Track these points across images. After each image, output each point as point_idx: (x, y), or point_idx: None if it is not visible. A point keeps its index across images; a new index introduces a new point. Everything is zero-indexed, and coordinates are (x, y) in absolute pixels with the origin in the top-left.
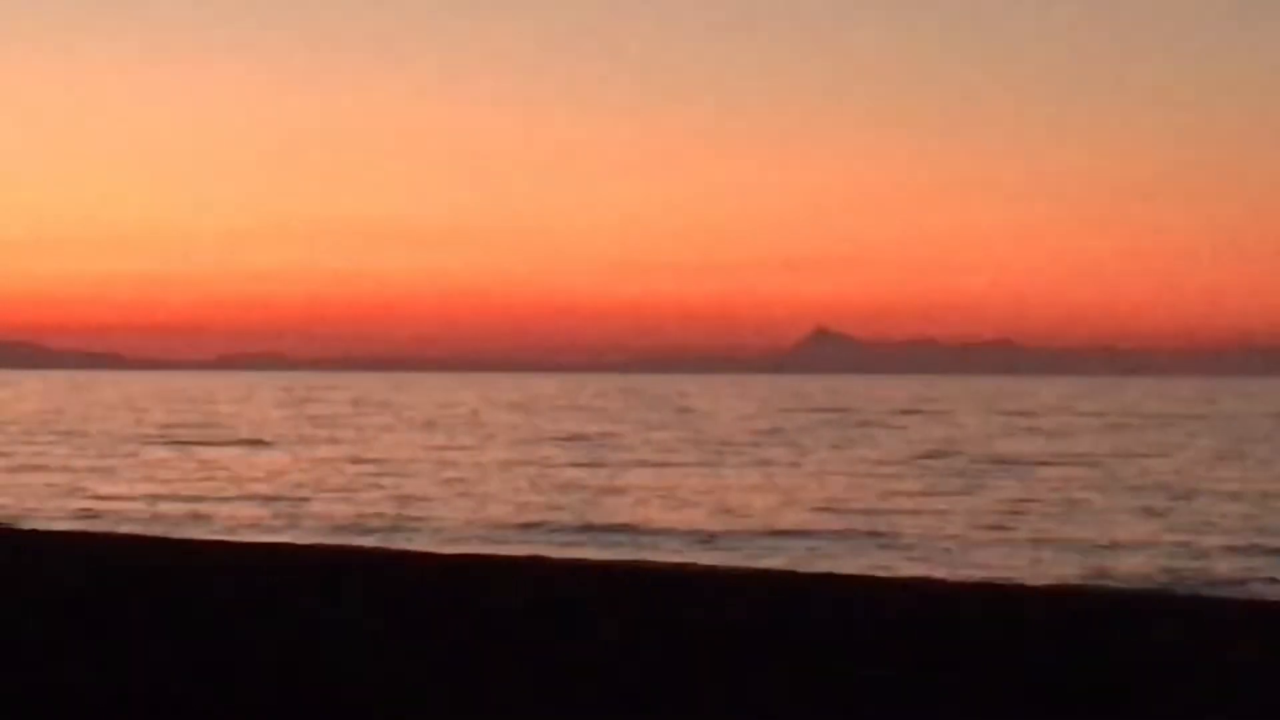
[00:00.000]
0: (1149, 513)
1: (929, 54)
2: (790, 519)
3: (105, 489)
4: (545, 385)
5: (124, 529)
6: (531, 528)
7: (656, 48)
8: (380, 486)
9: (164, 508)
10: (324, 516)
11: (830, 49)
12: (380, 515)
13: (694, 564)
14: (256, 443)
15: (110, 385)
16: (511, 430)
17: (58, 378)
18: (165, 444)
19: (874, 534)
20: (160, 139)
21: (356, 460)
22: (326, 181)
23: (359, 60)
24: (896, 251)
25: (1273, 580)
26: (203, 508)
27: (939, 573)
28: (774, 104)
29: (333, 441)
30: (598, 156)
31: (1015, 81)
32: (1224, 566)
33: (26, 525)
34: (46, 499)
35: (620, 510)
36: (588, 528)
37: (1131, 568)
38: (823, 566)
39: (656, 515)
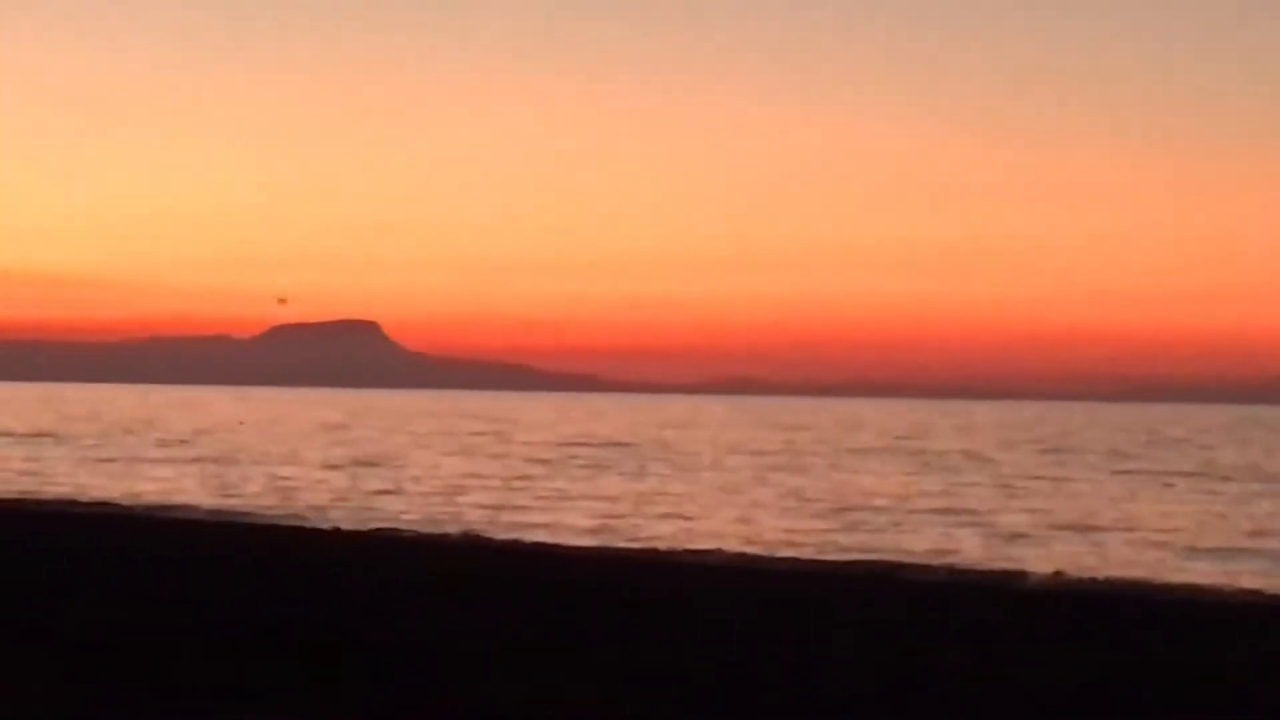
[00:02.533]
0: None
1: None
2: None
3: None
4: (1036, 411)
5: None
6: None
7: (1120, 75)
8: None
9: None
10: None
11: None
12: None
13: None
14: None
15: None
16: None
17: (553, 400)
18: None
19: None
20: (647, 166)
21: None
22: (801, 208)
23: (827, 89)
24: None
25: None
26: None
27: None
28: (1254, 130)
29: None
30: (1063, 181)
31: None
32: None
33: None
34: None
35: None
36: None
37: None
38: None
39: None
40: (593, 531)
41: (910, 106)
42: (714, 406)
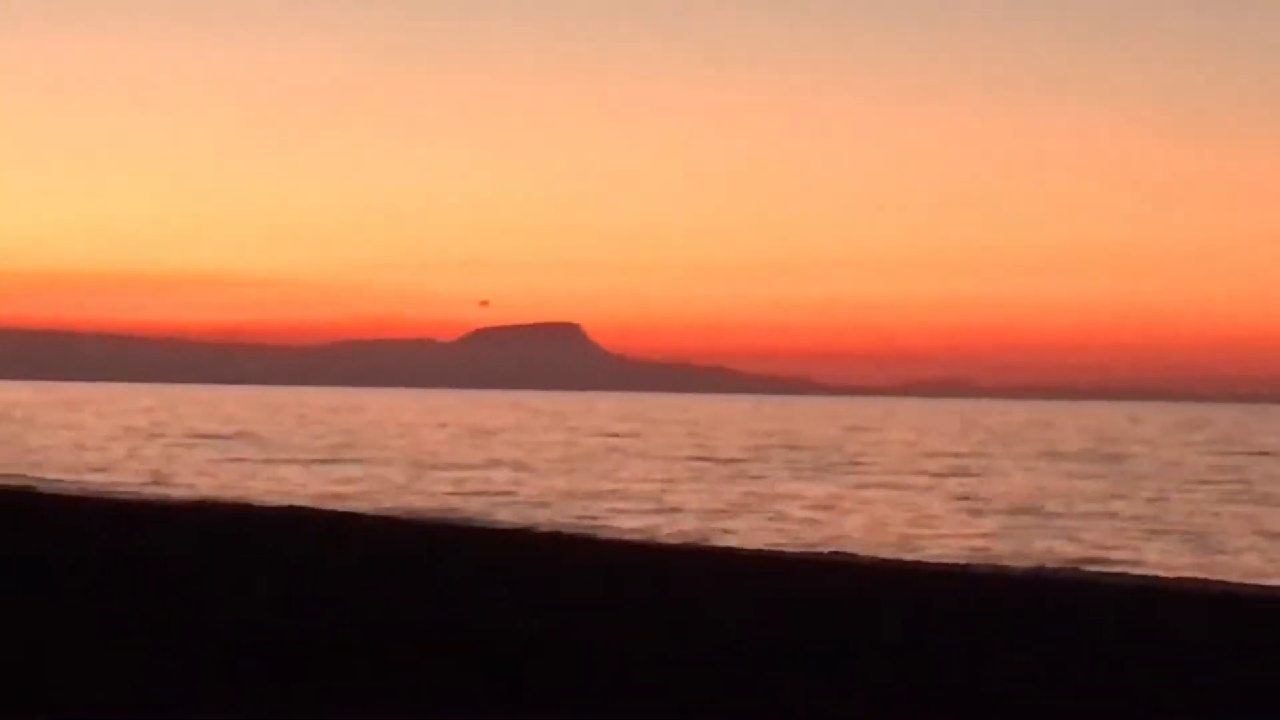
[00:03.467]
0: None
1: None
2: None
3: None
4: (1232, 415)
5: None
6: None
7: None
8: None
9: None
10: None
11: None
12: None
13: None
14: None
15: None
16: None
17: (753, 402)
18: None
19: None
20: (847, 169)
21: None
22: (1002, 208)
23: (1018, 93)
24: None
25: None
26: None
27: None
28: None
29: None
30: (1254, 181)
31: None
32: None
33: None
34: None
35: None
36: None
37: None
38: None
39: None
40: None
41: (1099, 110)
42: (913, 408)
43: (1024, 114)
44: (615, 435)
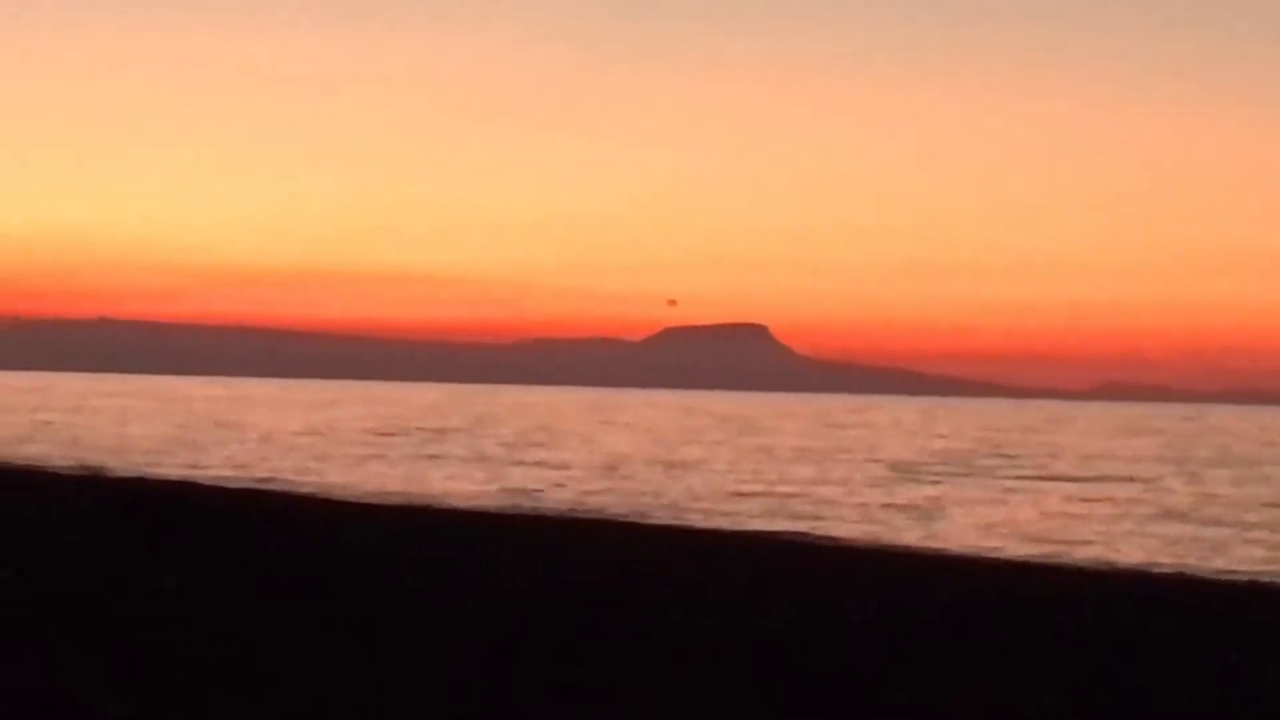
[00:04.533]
0: None
1: None
2: None
3: None
4: None
5: None
6: None
7: None
8: None
9: None
10: None
11: None
12: None
13: None
14: None
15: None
16: None
17: (937, 405)
18: None
19: None
20: (1032, 171)
21: None
22: (1196, 210)
23: (1202, 96)
24: None
25: None
26: None
27: None
28: None
29: None
30: None
31: None
32: None
33: None
34: None
35: None
36: None
37: None
38: None
39: None
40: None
41: None
42: (1096, 412)
43: (1222, 115)
44: (815, 438)
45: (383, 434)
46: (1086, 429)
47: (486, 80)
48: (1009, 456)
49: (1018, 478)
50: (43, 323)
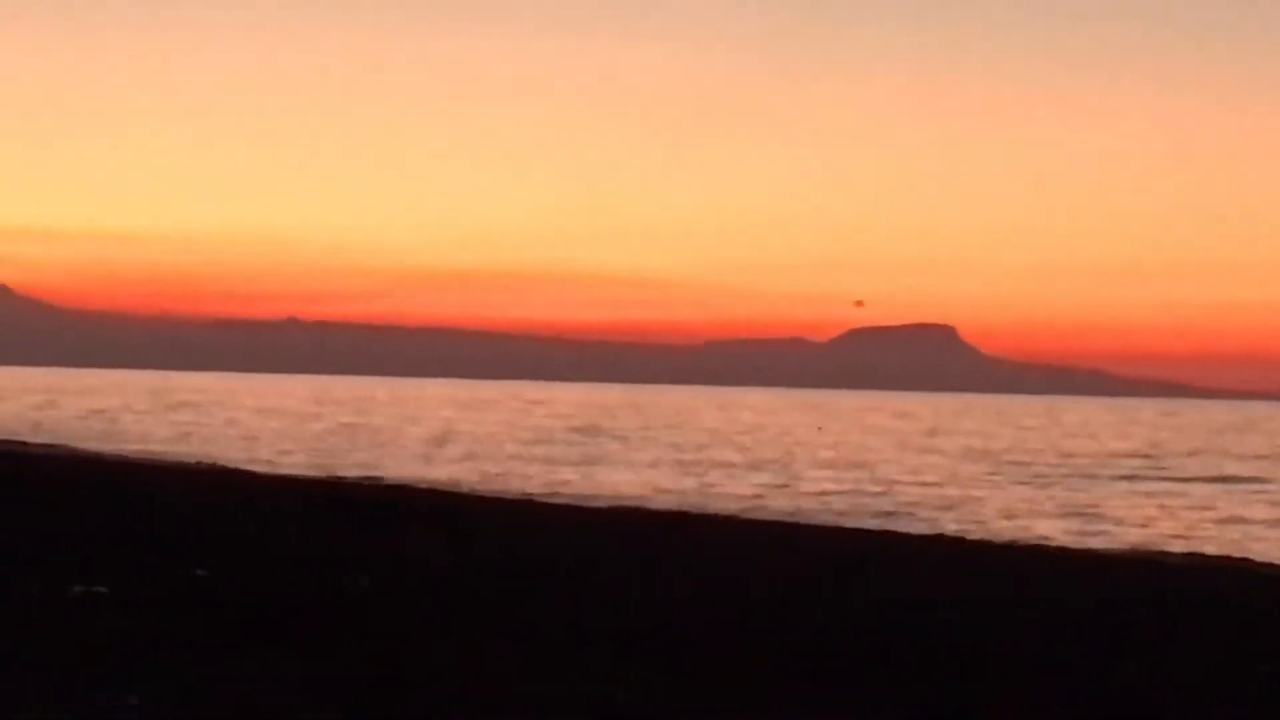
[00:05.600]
0: None
1: None
2: None
3: None
4: None
5: None
6: None
7: None
8: None
9: None
10: None
11: None
12: None
13: None
14: None
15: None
16: None
17: (1129, 406)
18: None
19: None
20: (1216, 171)
21: None
22: None
23: None
24: None
25: None
26: None
27: None
28: None
29: None
30: None
31: None
32: None
33: None
34: None
35: None
36: None
37: None
38: None
39: None
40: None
41: None
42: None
43: None
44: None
45: (577, 430)
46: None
47: (673, 83)
48: (1182, 457)
49: (1184, 480)
50: (234, 323)
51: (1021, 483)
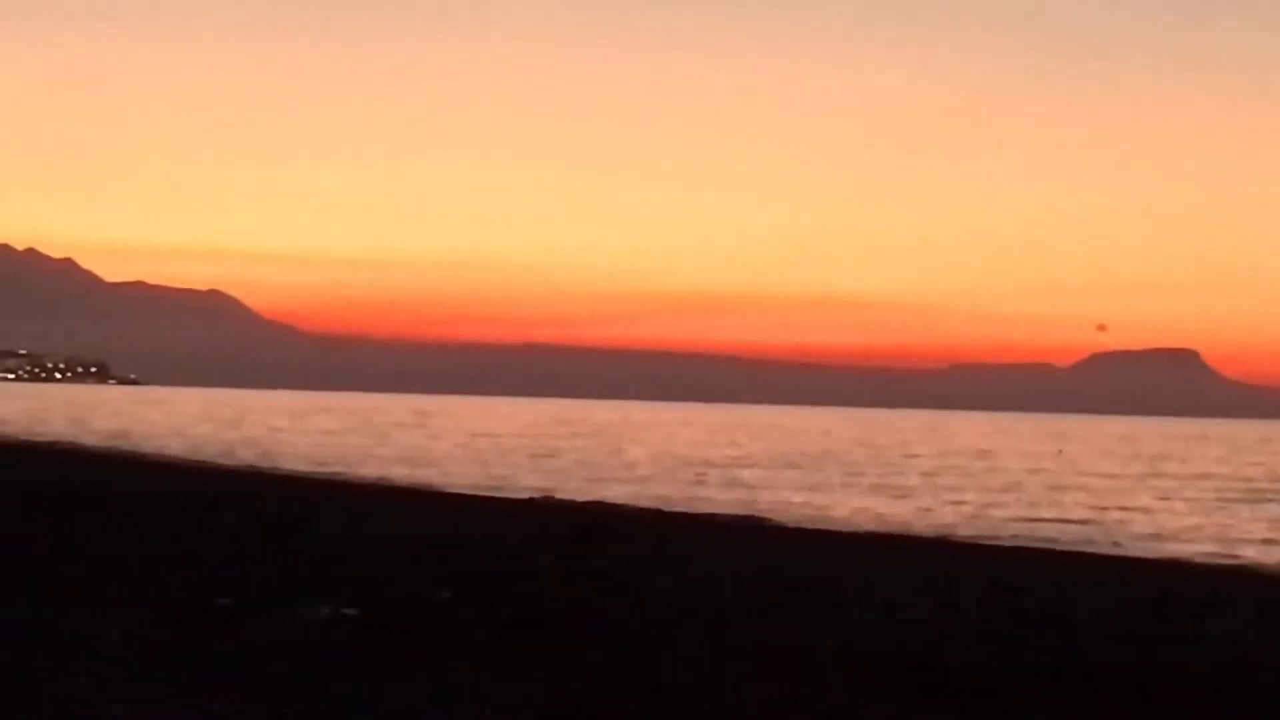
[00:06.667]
0: None
1: None
2: None
3: None
4: None
5: None
6: None
7: None
8: None
9: None
10: None
11: None
12: None
13: None
14: None
15: None
16: None
17: None
18: None
19: None
20: None
21: None
22: None
23: None
24: None
25: None
26: None
27: None
28: None
29: None
30: None
31: None
32: None
33: None
34: None
35: None
36: None
37: None
38: None
39: None
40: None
41: None
42: None
43: None
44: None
45: (823, 453)
46: None
47: (924, 105)
48: None
49: None
50: (475, 347)
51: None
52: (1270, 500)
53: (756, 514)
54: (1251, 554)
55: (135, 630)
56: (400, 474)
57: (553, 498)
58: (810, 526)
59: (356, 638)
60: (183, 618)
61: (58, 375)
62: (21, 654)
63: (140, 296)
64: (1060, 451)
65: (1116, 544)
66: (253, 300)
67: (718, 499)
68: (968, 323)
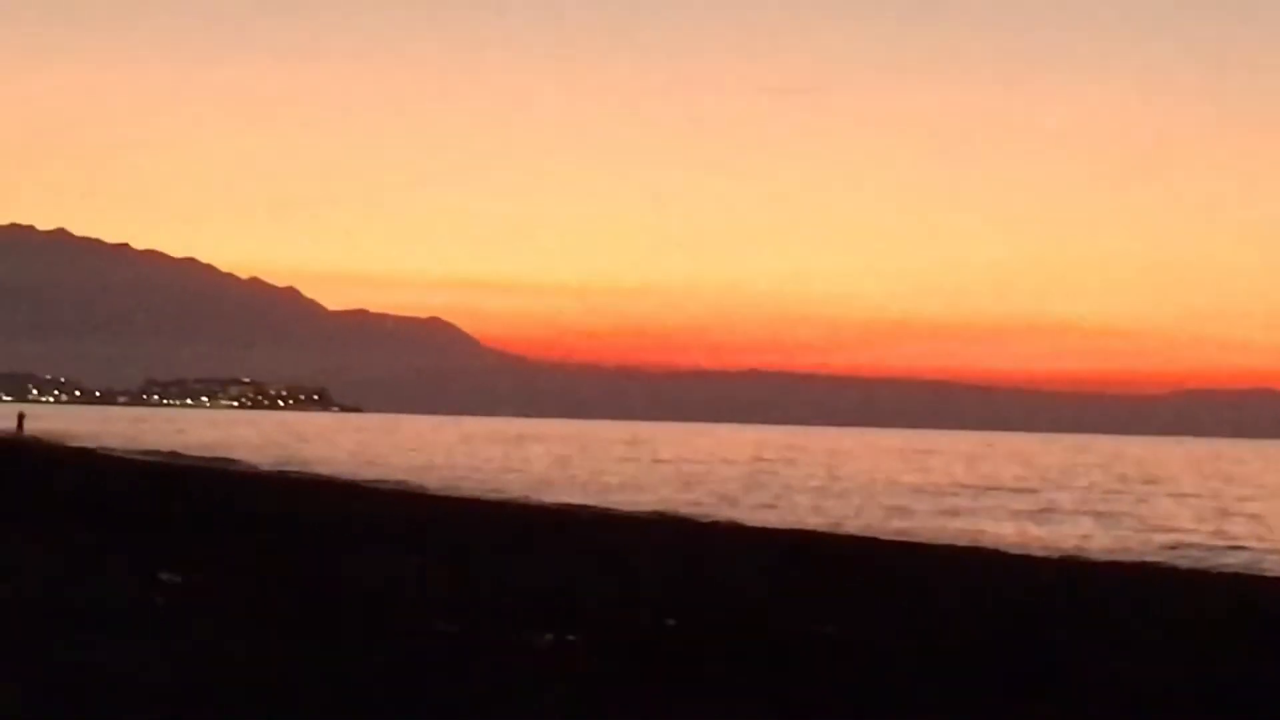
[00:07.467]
0: None
1: None
2: None
3: None
4: None
5: None
6: None
7: None
8: None
9: None
10: None
11: None
12: None
13: None
14: None
15: None
16: None
17: None
18: None
19: None
20: None
21: None
22: None
23: None
24: None
25: None
26: None
27: None
28: None
29: None
30: None
31: None
32: None
33: None
34: None
35: None
36: None
37: None
38: None
39: None
40: None
41: None
42: None
43: None
44: None
45: (1041, 480)
46: None
47: (1143, 128)
48: None
49: None
50: (694, 374)
51: None
52: None
53: (976, 542)
54: None
55: (359, 658)
56: (619, 500)
57: (799, 529)
58: (1032, 554)
59: (581, 664)
60: (406, 645)
61: (280, 403)
62: (258, 683)
63: (361, 324)
64: None
65: None
66: (474, 328)
67: (931, 526)
68: (1195, 348)
